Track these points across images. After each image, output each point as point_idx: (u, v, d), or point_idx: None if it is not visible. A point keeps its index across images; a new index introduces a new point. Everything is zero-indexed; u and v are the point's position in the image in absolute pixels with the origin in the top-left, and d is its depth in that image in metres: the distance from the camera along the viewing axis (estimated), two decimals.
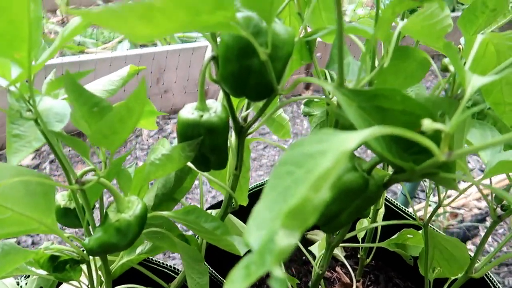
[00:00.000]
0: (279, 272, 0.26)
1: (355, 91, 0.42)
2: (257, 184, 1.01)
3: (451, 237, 0.66)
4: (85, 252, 0.54)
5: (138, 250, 0.67)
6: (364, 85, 0.47)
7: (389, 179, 0.48)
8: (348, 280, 1.01)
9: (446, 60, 0.47)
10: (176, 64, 2.19)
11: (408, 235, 0.75)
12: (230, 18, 0.36)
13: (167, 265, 0.75)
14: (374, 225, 0.72)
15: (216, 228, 0.58)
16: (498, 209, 0.55)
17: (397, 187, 1.86)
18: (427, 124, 0.35)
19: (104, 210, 0.52)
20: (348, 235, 0.77)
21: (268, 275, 0.86)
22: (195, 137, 0.51)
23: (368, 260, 0.99)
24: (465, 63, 0.50)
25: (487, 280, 0.81)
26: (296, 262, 1.08)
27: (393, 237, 0.75)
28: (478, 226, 1.69)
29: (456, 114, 0.36)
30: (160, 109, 2.34)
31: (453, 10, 3.09)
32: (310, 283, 0.71)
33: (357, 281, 1.00)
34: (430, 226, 0.80)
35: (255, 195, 1.00)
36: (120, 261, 0.65)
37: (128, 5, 0.29)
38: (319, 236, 1.11)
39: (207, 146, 0.52)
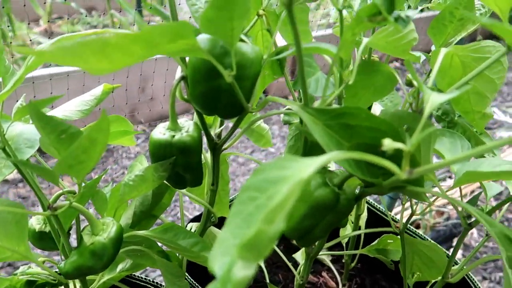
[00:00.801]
0: None
1: (321, 110, 0.43)
2: None
3: (429, 241, 0.67)
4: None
5: (119, 267, 0.67)
6: (333, 101, 0.47)
7: (360, 193, 0.49)
8: (334, 285, 1.01)
9: (410, 76, 0.48)
10: (164, 72, 2.18)
11: (389, 241, 0.76)
12: (192, 44, 0.36)
13: (149, 280, 0.75)
14: (356, 233, 0.73)
15: (194, 245, 0.58)
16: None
17: None
18: (388, 144, 0.36)
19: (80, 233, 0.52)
20: (333, 242, 0.78)
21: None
22: (168, 157, 0.51)
23: (352, 265, 1.00)
24: (430, 74, 0.51)
25: (468, 280, 0.83)
26: (283, 268, 1.08)
27: (373, 243, 0.76)
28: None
29: (416, 132, 0.37)
30: (146, 117, 2.34)
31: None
32: None
33: (343, 285, 1.01)
34: (408, 231, 0.81)
35: None
36: (101, 280, 0.65)
37: (82, 41, 0.29)
38: (320, 256, 1.12)
39: (181, 165, 0.53)
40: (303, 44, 0.40)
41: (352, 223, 0.93)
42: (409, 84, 0.47)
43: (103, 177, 0.74)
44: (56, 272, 0.55)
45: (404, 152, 0.36)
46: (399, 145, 0.36)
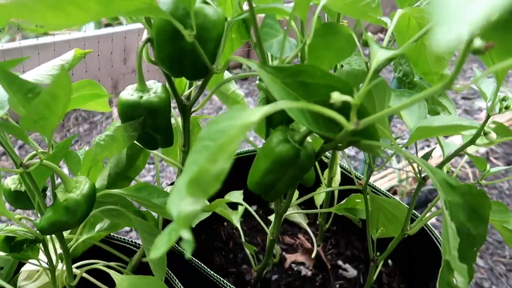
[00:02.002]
0: (187, 234, 0.29)
1: (279, 68, 0.45)
2: None
3: (392, 199, 0.71)
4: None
5: (97, 227, 0.70)
6: (292, 61, 0.49)
7: (320, 149, 0.52)
8: (309, 245, 1.06)
9: (365, 36, 0.49)
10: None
11: (357, 200, 0.80)
12: (148, 3, 0.38)
13: (129, 240, 0.78)
14: (326, 190, 0.76)
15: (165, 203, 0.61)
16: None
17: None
18: (336, 96, 0.38)
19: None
20: (303, 198, 0.82)
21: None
22: (136, 117, 0.53)
23: (327, 226, 1.04)
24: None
25: (428, 232, 0.88)
26: (261, 232, 1.13)
27: (342, 202, 0.79)
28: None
29: (364, 84, 0.39)
30: None
31: None
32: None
33: (318, 245, 1.06)
34: (374, 190, 0.85)
35: None
36: (79, 239, 0.67)
37: None
38: (297, 219, 1.16)
39: (150, 125, 0.55)
40: (259, 5, 0.42)
41: (326, 185, 0.97)
42: (365, 44, 0.49)
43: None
44: (33, 228, 0.57)
45: (352, 104, 0.39)
46: (346, 97, 0.38)
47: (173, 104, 0.63)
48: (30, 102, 0.43)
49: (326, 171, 0.96)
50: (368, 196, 0.69)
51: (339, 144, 0.49)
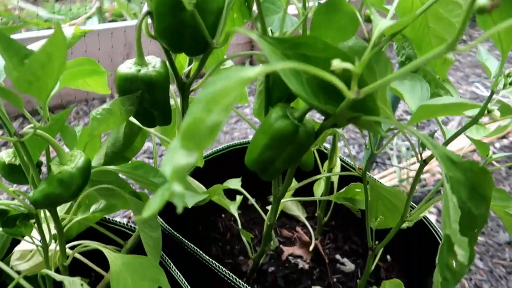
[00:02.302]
0: (178, 187, 0.28)
1: (279, 39, 0.44)
2: (217, 149, 1.03)
3: (392, 188, 0.70)
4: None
5: (92, 208, 0.69)
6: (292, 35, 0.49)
7: (320, 127, 0.51)
8: (307, 239, 1.05)
9: (368, 11, 0.49)
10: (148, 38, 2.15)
11: (356, 190, 0.79)
12: None
13: (125, 224, 0.77)
14: (324, 175, 0.75)
15: (164, 182, 0.60)
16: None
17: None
18: (336, 64, 0.38)
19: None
20: (303, 183, 0.81)
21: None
22: (134, 91, 0.52)
23: (325, 219, 1.03)
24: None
25: (426, 222, 0.87)
26: (259, 225, 1.12)
27: (341, 190, 0.78)
28: (440, 190, 1.76)
29: (365, 54, 0.39)
30: None
31: None
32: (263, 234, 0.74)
33: (316, 239, 1.04)
34: (375, 180, 0.84)
35: (216, 160, 1.03)
36: (74, 219, 0.66)
37: None
38: (295, 212, 1.15)
39: (148, 100, 0.54)
40: None
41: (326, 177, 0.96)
42: (368, 20, 0.49)
43: None
44: (27, 203, 0.56)
45: (352, 73, 0.38)
46: (347, 65, 0.38)
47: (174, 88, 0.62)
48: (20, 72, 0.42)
49: (326, 163, 0.95)
50: (368, 184, 0.68)
51: (338, 122, 0.49)
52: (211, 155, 1.00)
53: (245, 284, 0.68)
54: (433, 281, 0.44)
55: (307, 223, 1.09)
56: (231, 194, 1.01)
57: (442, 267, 0.42)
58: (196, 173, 0.87)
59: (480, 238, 1.62)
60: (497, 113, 0.45)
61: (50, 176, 0.51)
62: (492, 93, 0.43)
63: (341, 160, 1.01)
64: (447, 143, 0.54)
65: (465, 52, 0.43)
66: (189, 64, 0.59)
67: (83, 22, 2.60)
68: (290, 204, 1.15)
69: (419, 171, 0.56)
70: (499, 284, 1.42)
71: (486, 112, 0.46)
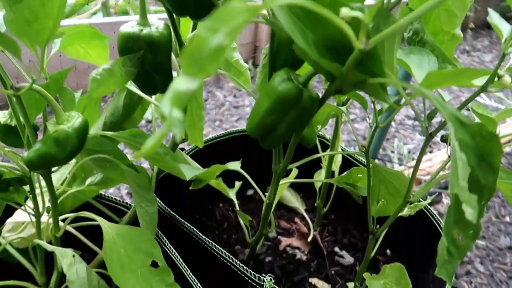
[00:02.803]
0: (177, 113, 0.26)
1: None
2: (218, 135, 1.02)
3: (395, 170, 0.68)
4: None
5: (88, 181, 0.68)
6: None
7: (324, 93, 0.50)
8: (306, 230, 1.03)
9: None
10: None
11: (358, 175, 0.77)
12: None
13: (121, 201, 0.75)
14: (320, 155, 0.73)
15: (165, 154, 0.58)
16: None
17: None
18: (345, 12, 0.36)
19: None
20: (304, 161, 0.79)
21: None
22: (136, 51, 0.51)
23: (325, 210, 1.01)
24: None
25: (427, 213, 0.85)
26: (257, 215, 1.10)
27: (343, 174, 0.77)
28: (442, 193, 1.74)
29: (374, 4, 0.38)
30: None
31: None
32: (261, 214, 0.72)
33: (315, 230, 1.03)
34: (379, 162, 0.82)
35: (215, 146, 1.01)
36: (68, 190, 0.65)
37: None
38: (294, 204, 1.13)
39: (149, 62, 0.53)
40: None
41: (326, 166, 0.95)
42: None
43: None
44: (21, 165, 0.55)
45: (361, 23, 0.37)
46: (356, 13, 0.36)
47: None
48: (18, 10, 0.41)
49: (328, 151, 0.93)
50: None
51: (344, 87, 0.47)
52: (211, 140, 0.99)
53: (241, 264, 0.66)
54: (438, 248, 0.42)
55: (306, 215, 1.08)
56: (230, 182, 1.00)
57: (448, 233, 0.41)
58: (195, 158, 0.86)
59: (481, 242, 1.60)
60: (507, 79, 0.43)
61: (46, 135, 0.50)
62: (504, 55, 0.42)
63: (342, 150, 1.00)
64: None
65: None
66: (192, 30, 0.58)
67: (88, 17, 2.61)
68: (290, 196, 1.13)
69: (425, 146, 0.55)
70: None
71: (496, 78, 0.44)
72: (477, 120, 0.60)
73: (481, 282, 1.41)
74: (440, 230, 0.87)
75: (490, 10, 0.46)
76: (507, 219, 1.69)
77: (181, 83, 0.26)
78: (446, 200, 1.73)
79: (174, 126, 0.26)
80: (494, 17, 0.45)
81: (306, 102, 0.48)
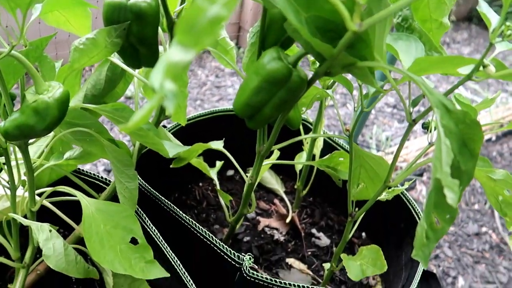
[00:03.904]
0: (170, 85, 0.26)
1: None
2: (200, 114, 1.01)
3: (376, 155, 0.70)
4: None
5: (66, 155, 0.66)
6: None
7: (314, 74, 0.50)
8: (284, 212, 1.04)
9: None
10: None
11: (339, 158, 0.78)
12: None
13: (99, 176, 0.74)
14: (304, 137, 0.74)
15: (148, 129, 0.57)
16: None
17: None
18: None
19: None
20: (285, 143, 0.79)
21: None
22: (122, 22, 0.49)
23: (304, 192, 1.03)
24: None
25: (404, 199, 0.88)
26: (237, 195, 1.10)
27: (324, 157, 0.78)
28: (416, 179, 1.79)
29: None
30: None
31: None
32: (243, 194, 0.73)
33: (293, 212, 1.04)
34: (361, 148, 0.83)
35: (198, 125, 1.00)
36: (45, 164, 0.63)
37: None
38: (274, 186, 1.14)
39: (135, 34, 0.51)
40: None
41: (308, 150, 0.95)
42: None
43: None
44: None
45: (356, 4, 0.37)
46: None
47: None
48: None
49: (310, 134, 0.94)
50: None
51: (333, 69, 0.47)
52: (194, 119, 0.98)
53: (221, 243, 0.66)
54: (416, 232, 0.43)
55: (285, 197, 1.09)
56: (210, 162, 0.99)
57: (428, 217, 0.42)
58: (177, 136, 0.85)
59: (450, 228, 1.66)
60: (492, 68, 0.44)
61: (25, 105, 0.48)
62: (490, 45, 0.43)
63: (324, 133, 1.01)
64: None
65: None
66: (181, 3, 0.56)
67: None
68: (270, 177, 1.14)
69: (408, 131, 0.56)
70: (465, 272, 1.46)
71: (481, 67, 0.45)
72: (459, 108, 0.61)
73: (449, 266, 1.47)
74: (415, 215, 0.90)
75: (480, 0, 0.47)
76: (476, 206, 1.76)
77: (175, 53, 0.26)
78: (419, 187, 1.79)
79: (166, 99, 0.25)
80: (483, 6, 0.46)
81: (295, 82, 0.48)
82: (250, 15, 2.57)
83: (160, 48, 0.66)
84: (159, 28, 0.59)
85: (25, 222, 0.59)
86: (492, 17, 0.45)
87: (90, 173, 0.74)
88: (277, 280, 0.64)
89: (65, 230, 0.83)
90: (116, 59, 0.61)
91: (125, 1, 0.49)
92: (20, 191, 0.63)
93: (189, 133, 0.94)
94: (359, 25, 0.37)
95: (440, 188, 0.38)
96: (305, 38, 0.42)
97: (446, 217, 0.44)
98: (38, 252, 0.64)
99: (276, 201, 1.09)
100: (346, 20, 0.36)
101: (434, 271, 1.40)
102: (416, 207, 0.89)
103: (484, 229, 1.64)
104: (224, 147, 0.92)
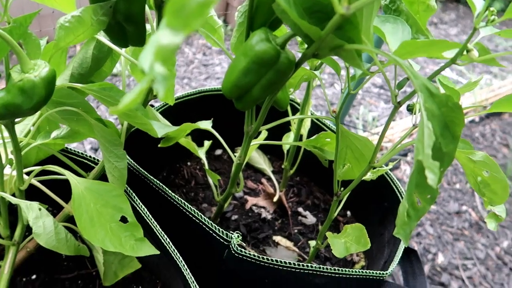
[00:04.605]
0: (160, 67, 0.26)
1: None
2: (188, 93, 1.00)
3: (362, 136, 0.71)
4: None
5: (53, 134, 0.66)
6: None
7: (301, 56, 0.50)
8: (272, 191, 1.06)
9: None
10: None
11: (326, 139, 0.79)
12: None
13: (87, 155, 0.74)
14: (291, 118, 0.75)
15: (136, 109, 0.57)
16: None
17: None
18: None
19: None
20: (273, 124, 0.80)
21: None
22: None
23: (291, 172, 1.04)
24: None
25: (388, 178, 0.91)
26: (225, 175, 1.11)
27: (311, 138, 0.79)
28: (400, 159, 1.83)
29: None
30: None
31: None
32: (231, 174, 0.74)
33: (280, 191, 1.06)
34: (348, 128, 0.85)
35: (186, 104, 1.00)
36: (32, 143, 0.63)
37: None
38: (262, 165, 1.15)
39: (122, 12, 0.50)
40: None
41: (295, 130, 0.96)
42: None
43: None
44: None
45: None
46: None
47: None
48: None
49: (297, 115, 0.95)
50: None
51: (321, 51, 0.48)
52: (181, 98, 0.97)
53: (210, 221, 0.68)
54: (398, 211, 0.45)
55: (272, 176, 1.10)
56: (198, 141, 1.00)
57: (410, 196, 0.43)
58: (164, 115, 0.85)
59: (432, 207, 1.71)
60: (475, 53, 0.45)
61: (10, 84, 0.47)
62: (474, 30, 0.44)
63: (311, 114, 1.02)
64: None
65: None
66: None
67: None
68: (257, 157, 1.15)
69: (393, 113, 0.57)
70: (445, 249, 1.52)
71: (465, 51, 0.46)
72: (442, 91, 0.63)
73: (429, 243, 1.53)
74: (398, 195, 0.92)
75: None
76: (457, 186, 1.81)
77: (164, 36, 0.26)
78: (404, 167, 1.83)
79: (156, 82, 0.26)
80: None
81: (283, 64, 0.48)
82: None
83: (148, 26, 0.65)
84: (146, 6, 0.58)
85: (14, 200, 0.59)
86: (477, 2, 0.46)
87: (78, 152, 0.74)
88: (264, 257, 0.66)
89: (54, 209, 0.83)
90: (102, 37, 0.60)
91: None
92: (7, 170, 0.63)
93: (177, 112, 0.94)
94: (347, 8, 0.37)
95: (422, 170, 0.39)
96: (293, 20, 0.43)
97: (427, 197, 0.46)
98: (27, 230, 0.64)
99: (263, 180, 1.11)
100: (334, 3, 0.36)
101: (416, 248, 1.45)
102: (399, 187, 0.92)
103: (464, 207, 1.69)
104: (212, 126, 0.92)
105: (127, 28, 0.53)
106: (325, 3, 0.44)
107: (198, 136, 1.01)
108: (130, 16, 0.51)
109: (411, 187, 0.42)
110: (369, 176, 0.75)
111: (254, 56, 0.47)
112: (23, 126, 0.67)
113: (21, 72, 0.48)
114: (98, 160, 0.73)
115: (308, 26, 0.43)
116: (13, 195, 0.64)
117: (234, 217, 0.99)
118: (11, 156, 0.62)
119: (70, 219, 0.72)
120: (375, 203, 1.01)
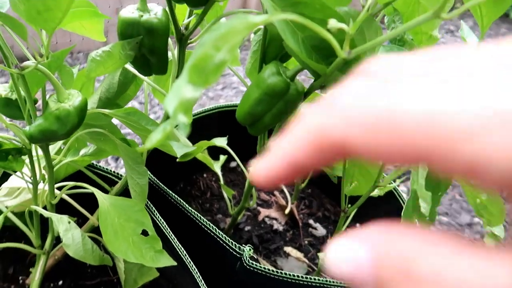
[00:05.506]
0: (183, 118, 0.31)
1: None
2: (204, 109, 1.06)
3: None
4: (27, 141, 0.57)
5: (82, 152, 0.71)
6: None
7: (309, 87, 0.54)
8: (284, 203, 1.10)
9: None
10: None
11: None
12: None
13: (112, 171, 0.79)
14: None
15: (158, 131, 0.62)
16: None
17: None
18: (332, 23, 0.40)
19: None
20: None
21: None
22: (135, 36, 0.54)
23: (303, 185, 1.08)
24: None
25: (395, 194, 0.93)
26: (239, 186, 1.16)
27: None
28: (406, 178, 1.84)
29: (358, 17, 0.42)
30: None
31: None
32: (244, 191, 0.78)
33: (292, 203, 1.10)
34: None
35: (202, 120, 1.05)
36: (63, 160, 0.68)
37: None
38: None
39: (147, 47, 0.56)
40: None
41: None
42: None
43: None
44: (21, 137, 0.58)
45: (346, 34, 0.41)
46: (342, 25, 0.40)
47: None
48: (31, 1, 0.43)
49: None
50: None
51: (327, 83, 0.52)
52: (198, 115, 1.03)
53: (223, 234, 0.72)
54: None
55: (285, 189, 1.14)
56: (214, 154, 1.05)
57: (407, 219, 0.47)
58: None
59: (444, 218, 1.72)
60: None
61: (48, 112, 0.53)
62: None
63: None
64: None
65: (450, 19, 0.47)
66: (189, 16, 0.61)
67: None
68: None
69: None
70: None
71: None
72: None
73: None
74: None
75: (462, 23, 0.51)
76: None
77: (187, 91, 0.30)
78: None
79: (179, 128, 0.31)
80: (465, 30, 0.50)
81: (292, 95, 0.53)
82: (254, 3, 2.58)
83: (169, 53, 0.70)
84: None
85: (46, 214, 0.64)
86: (472, 42, 0.49)
87: (102, 167, 0.79)
88: (274, 269, 0.70)
89: (79, 218, 0.89)
90: (128, 65, 0.65)
91: (138, 18, 0.53)
92: (39, 185, 0.69)
93: (194, 128, 0.99)
94: (348, 53, 0.42)
95: (417, 198, 0.43)
96: (301, 59, 0.47)
97: (425, 219, 0.49)
98: (56, 239, 0.70)
99: (276, 192, 1.15)
100: (337, 49, 0.40)
101: None
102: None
103: (476, 219, 1.69)
104: (228, 140, 0.97)
105: (151, 60, 0.58)
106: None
107: (214, 149, 1.06)
108: (153, 49, 0.56)
109: (408, 211, 0.46)
110: (376, 192, 0.79)
111: (266, 88, 0.52)
112: (54, 145, 0.72)
113: (57, 102, 0.53)
114: (120, 174, 0.79)
115: (315, 64, 0.47)
116: (45, 207, 0.70)
117: (247, 228, 1.04)
118: (43, 171, 0.68)
119: (94, 229, 0.77)
120: (384, 217, 1.03)
